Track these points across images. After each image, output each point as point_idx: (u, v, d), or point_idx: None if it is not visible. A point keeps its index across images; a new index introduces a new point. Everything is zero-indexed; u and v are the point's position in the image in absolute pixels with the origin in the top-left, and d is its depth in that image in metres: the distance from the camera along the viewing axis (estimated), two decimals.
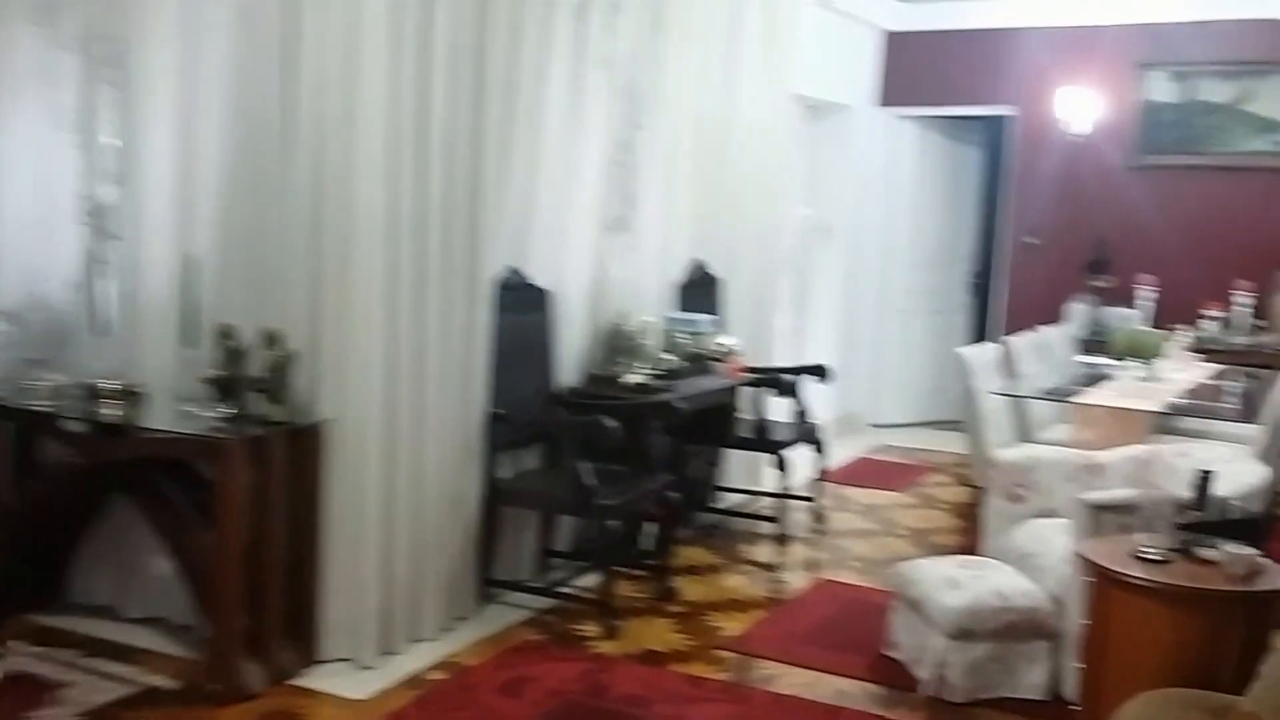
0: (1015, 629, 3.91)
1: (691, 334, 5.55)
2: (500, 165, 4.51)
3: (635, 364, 5.20)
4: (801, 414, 6.05)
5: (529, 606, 4.63)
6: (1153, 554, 3.11)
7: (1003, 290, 8.63)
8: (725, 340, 5.71)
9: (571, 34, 4.93)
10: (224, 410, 3.78)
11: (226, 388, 3.80)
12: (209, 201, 3.99)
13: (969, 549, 5.43)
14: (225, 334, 3.82)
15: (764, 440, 5.78)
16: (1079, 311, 7.97)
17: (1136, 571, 3.05)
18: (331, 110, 3.86)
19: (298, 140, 3.89)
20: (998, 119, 8.73)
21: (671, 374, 5.23)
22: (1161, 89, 7.99)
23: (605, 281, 5.36)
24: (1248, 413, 5.41)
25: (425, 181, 4.11)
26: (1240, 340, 7.45)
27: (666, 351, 5.41)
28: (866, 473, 7.40)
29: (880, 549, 5.73)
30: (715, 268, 6.23)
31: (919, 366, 9.14)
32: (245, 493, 3.69)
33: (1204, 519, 3.11)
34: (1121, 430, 5.04)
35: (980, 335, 9.43)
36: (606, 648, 4.27)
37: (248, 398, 3.83)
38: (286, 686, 3.82)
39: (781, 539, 5.76)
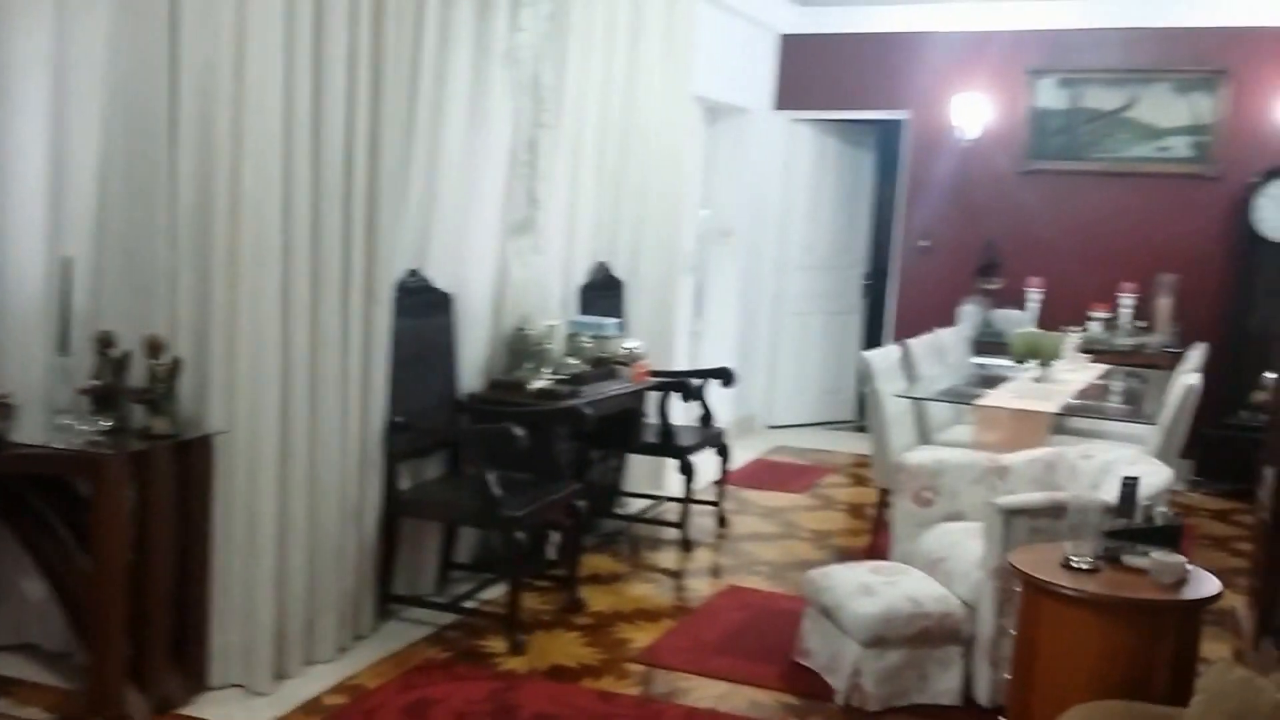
0: (929, 635, 3.84)
1: (596, 337, 5.38)
2: (400, 162, 4.30)
3: (540, 369, 5.02)
4: (706, 418, 5.94)
5: (431, 623, 4.42)
6: (1081, 563, 3.04)
7: (896, 293, 8.65)
8: (630, 344, 5.56)
9: (473, 26, 4.73)
10: (103, 423, 3.49)
11: (105, 399, 3.51)
12: (85, 199, 3.67)
13: (872, 551, 5.40)
14: (104, 341, 3.53)
15: (670, 445, 5.64)
16: (970, 313, 8.03)
17: (1066, 581, 2.98)
18: (220, 101, 3.60)
19: (183, 132, 3.62)
20: (891, 123, 8.76)
21: (577, 379, 5.05)
22: (1050, 95, 8.08)
23: (508, 284, 5.16)
24: (1142, 413, 5.46)
25: (321, 178, 3.87)
26: (1125, 341, 7.57)
27: (571, 356, 5.24)
28: (765, 475, 7.33)
29: (784, 553, 5.64)
30: (618, 270, 6.08)
31: (814, 368, 9.13)
32: (126, 511, 3.41)
33: (1130, 526, 3.06)
34: (1023, 432, 5.03)
35: (873, 337, 9.47)
36: (513, 664, 4.09)
37: (129, 409, 3.54)
38: (173, 716, 3.55)
39: (686, 545, 5.63)
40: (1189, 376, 5.08)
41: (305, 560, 3.92)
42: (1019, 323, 7.89)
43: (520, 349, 5.11)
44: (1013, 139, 8.14)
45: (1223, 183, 7.65)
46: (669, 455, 5.68)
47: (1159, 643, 2.88)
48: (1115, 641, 2.87)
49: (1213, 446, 7.41)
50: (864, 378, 5.36)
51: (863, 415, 9.29)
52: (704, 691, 3.95)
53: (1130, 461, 4.17)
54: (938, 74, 8.27)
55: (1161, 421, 4.99)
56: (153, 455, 3.49)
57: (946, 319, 8.06)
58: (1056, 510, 3.75)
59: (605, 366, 5.33)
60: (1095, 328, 7.68)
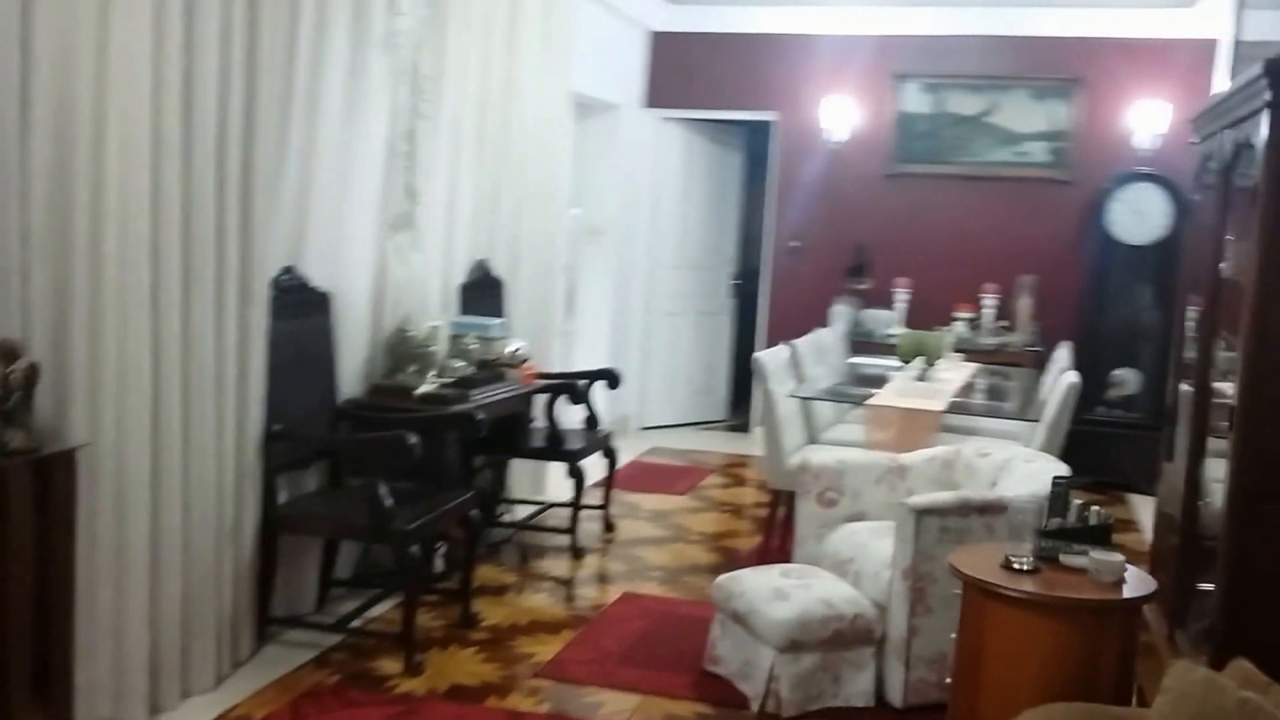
0: (842, 637, 3.73)
1: (481, 339, 5.12)
2: (275, 151, 3.98)
3: (425, 372, 4.74)
4: (592, 420, 5.74)
5: (314, 644, 4.10)
6: (1022, 564, 2.96)
7: (767, 293, 8.60)
8: (514, 345, 5.32)
9: (351, 9, 4.43)
10: None
11: None
12: None
13: (765, 552, 5.28)
14: None
15: (560, 449, 5.41)
16: (842, 313, 8.03)
17: (1010, 583, 2.89)
18: (81, 81, 3.23)
19: (37, 114, 3.22)
20: (758, 124, 8.72)
21: (464, 382, 4.79)
22: (915, 100, 8.15)
23: (387, 283, 4.86)
24: (1021, 410, 5.48)
25: (193, 166, 3.54)
26: (989, 341, 7.68)
27: (456, 358, 4.97)
28: (645, 477, 7.17)
29: (675, 557, 5.48)
30: (498, 268, 5.83)
31: (685, 369, 9.03)
32: None
33: (1065, 526, 2.98)
34: (914, 430, 4.99)
35: (743, 338, 9.44)
36: (410, 686, 3.81)
37: None
38: None
39: (576, 552, 5.42)
40: (1068, 374, 5.12)
41: (179, 583, 3.57)
42: (888, 323, 7.96)
43: (402, 352, 4.82)
44: (880, 142, 8.19)
45: (1077, 187, 7.83)
46: (559, 460, 5.44)
47: (1105, 642, 2.82)
48: (1064, 642, 2.80)
49: (1071, 441, 7.55)
50: (757, 379, 5.24)
51: (734, 415, 9.30)
52: (615, 705, 3.75)
53: (1027, 459, 4.15)
54: (807, 76, 8.26)
55: (1045, 418, 5.01)
56: (7, 473, 3.10)
57: (818, 319, 8.05)
58: (964, 509, 3.70)
59: (491, 369, 5.08)
60: (960, 327, 7.78)
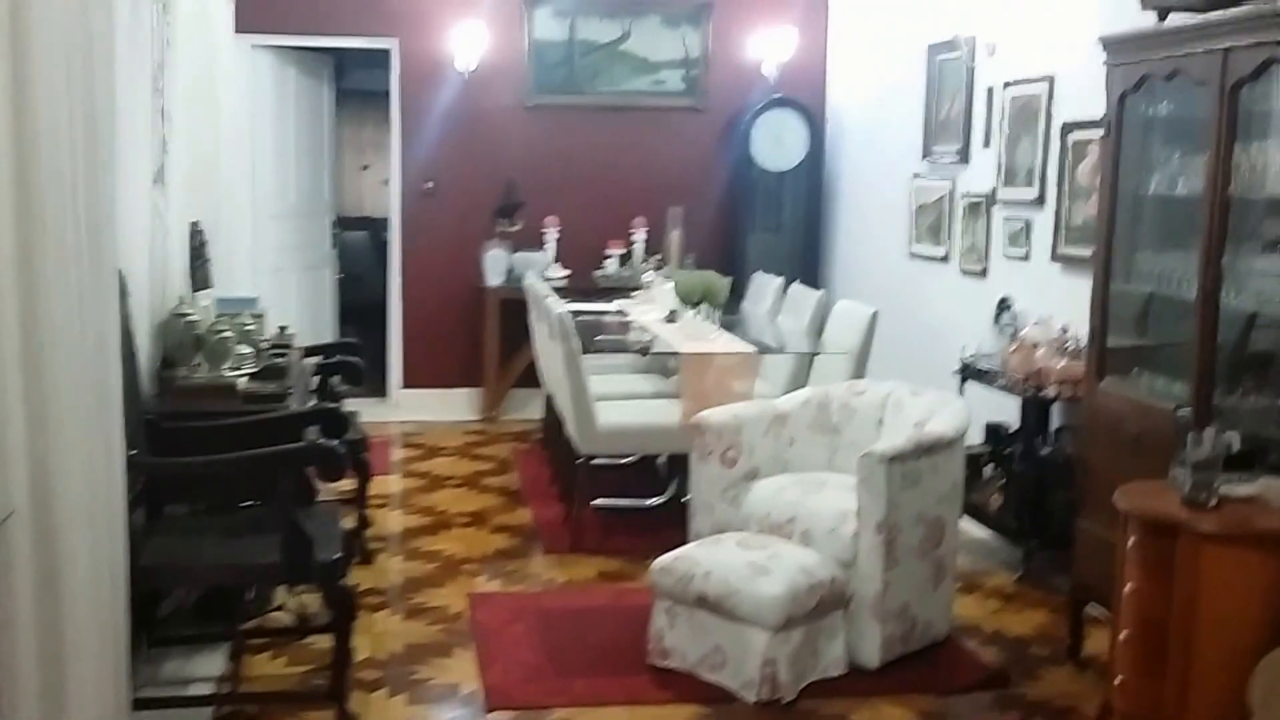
0: (822, 605, 3.78)
1: (255, 317, 4.44)
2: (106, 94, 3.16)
3: (219, 364, 4.04)
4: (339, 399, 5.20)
5: None
6: (1209, 499, 3.09)
7: (398, 241, 8.17)
8: (270, 321, 4.68)
9: None
10: None
11: None
12: None
13: (570, 523, 5.15)
14: None
15: (343, 439, 4.82)
16: (496, 258, 7.87)
17: (1215, 523, 3.03)
18: None
19: None
20: (344, 52, 8.20)
21: (271, 373, 4.14)
22: (548, 26, 8.10)
23: (154, 254, 4.06)
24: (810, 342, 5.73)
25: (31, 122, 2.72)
26: (646, 277, 7.89)
27: (240, 343, 4.26)
28: None
29: (469, 545, 5.17)
30: (204, 229, 5.06)
31: (296, 330, 8.36)
32: None
33: (1213, 456, 3.16)
34: (732, 378, 5.08)
35: (345, 292, 8.94)
36: None
37: None
38: None
39: (366, 555, 4.92)
40: (863, 307, 5.47)
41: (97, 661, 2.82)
42: (542, 265, 7.92)
43: (183, 339, 4.06)
44: (514, 72, 8.04)
45: (713, 115, 8.25)
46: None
47: None
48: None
49: None
50: (562, 337, 5.04)
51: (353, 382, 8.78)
52: None
53: (914, 393, 4.42)
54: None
55: (851, 351, 5.32)
56: None
57: (466, 266, 7.87)
58: (918, 452, 3.90)
59: (275, 352, 4.43)
60: (611, 265, 7.97)
